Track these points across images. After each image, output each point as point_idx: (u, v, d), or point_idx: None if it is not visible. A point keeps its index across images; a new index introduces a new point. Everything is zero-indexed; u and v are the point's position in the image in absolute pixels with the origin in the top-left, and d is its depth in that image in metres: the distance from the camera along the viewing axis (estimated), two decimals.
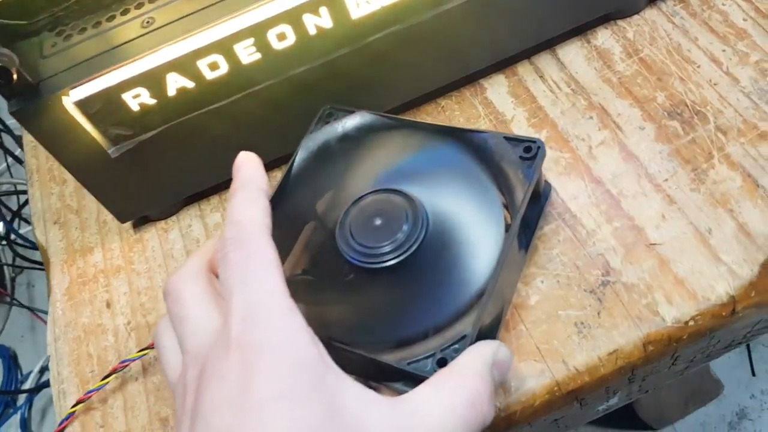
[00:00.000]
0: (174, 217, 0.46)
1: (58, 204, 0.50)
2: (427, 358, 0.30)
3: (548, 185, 0.38)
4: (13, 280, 1.34)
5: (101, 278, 0.45)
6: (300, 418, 0.24)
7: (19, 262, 1.21)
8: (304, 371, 0.25)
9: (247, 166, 0.32)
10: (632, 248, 0.36)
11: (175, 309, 0.29)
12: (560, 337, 0.35)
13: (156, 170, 0.42)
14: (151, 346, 0.39)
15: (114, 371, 0.39)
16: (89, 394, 0.39)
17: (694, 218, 0.36)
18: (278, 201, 0.37)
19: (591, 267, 0.36)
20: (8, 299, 1.28)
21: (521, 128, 0.43)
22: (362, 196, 0.35)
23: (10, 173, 1.26)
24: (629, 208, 0.38)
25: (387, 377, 0.34)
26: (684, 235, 0.36)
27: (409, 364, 0.30)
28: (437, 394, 0.27)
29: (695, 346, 0.35)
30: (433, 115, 0.45)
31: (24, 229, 1.16)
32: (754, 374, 0.92)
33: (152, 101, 0.37)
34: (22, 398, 1.20)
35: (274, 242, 0.28)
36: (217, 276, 0.30)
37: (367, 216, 0.34)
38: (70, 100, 0.36)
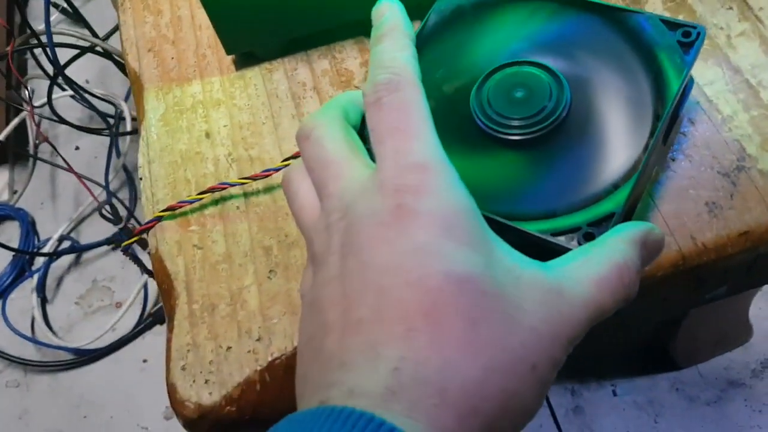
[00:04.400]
0: (279, 59, 0.44)
1: (152, 33, 0.48)
2: (572, 231, 0.29)
3: (692, 80, 0.37)
4: (36, 146, 1.32)
5: (200, 109, 0.43)
6: (464, 262, 0.23)
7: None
8: (465, 219, 0.24)
9: (393, 11, 0.30)
10: None
11: (314, 151, 0.28)
12: (690, 214, 0.34)
13: None
14: (252, 177, 0.38)
15: (212, 189, 0.38)
16: (181, 204, 0.38)
17: None
18: None
19: (725, 151, 0.35)
20: (31, 157, 1.27)
21: (656, 10, 0.41)
22: (503, 65, 0.34)
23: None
24: None
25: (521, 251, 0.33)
26: None
27: (552, 235, 0.29)
28: (586, 263, 0.25)
29: None
30: None
31: (57, 95, 1.08)
32: None
33: None
34: (38, 263, 1.20)
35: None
36: (355, 129, 0.29)
37: (508, 86, 0.33)
38: None
